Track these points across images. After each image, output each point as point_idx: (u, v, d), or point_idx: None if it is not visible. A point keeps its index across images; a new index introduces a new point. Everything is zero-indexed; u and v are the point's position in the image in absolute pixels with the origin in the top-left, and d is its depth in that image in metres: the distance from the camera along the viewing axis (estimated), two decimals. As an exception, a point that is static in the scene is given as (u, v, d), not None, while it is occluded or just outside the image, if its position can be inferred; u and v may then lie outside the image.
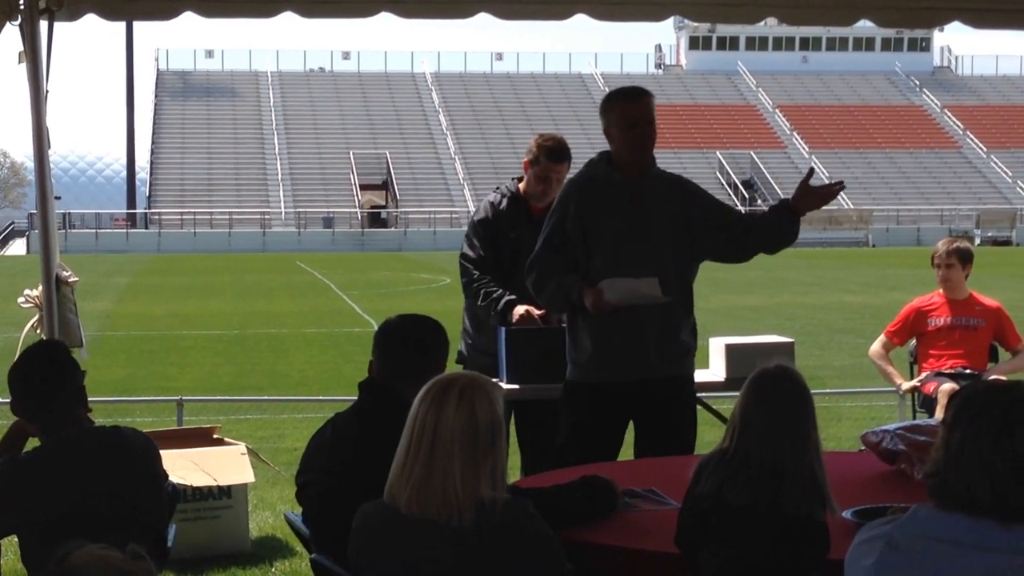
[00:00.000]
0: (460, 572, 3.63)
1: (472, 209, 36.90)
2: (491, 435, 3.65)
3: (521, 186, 7.11)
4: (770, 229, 6.16)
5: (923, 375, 8.64)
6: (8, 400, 4.54)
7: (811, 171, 6.61)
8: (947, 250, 8.75)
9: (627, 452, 6.31)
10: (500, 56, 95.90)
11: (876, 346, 8.98)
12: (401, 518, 3.66)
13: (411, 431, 3.67)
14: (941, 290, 8.79)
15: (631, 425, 6.21)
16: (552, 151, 6.94)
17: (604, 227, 6.05)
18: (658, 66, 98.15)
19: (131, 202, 78.62)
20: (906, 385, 8.75)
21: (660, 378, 6.03)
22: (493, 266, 6.99)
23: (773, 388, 3.93)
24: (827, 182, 6.17)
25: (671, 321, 6.04)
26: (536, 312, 6.75)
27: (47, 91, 6.35)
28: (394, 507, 3.68)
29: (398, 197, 74.69)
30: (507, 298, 6.86)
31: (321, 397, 12.95)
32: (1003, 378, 7.71)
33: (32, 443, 4.60)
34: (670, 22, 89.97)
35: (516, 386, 6.64)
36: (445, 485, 3.60)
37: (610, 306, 5.89)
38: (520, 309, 6.79)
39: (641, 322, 5.95)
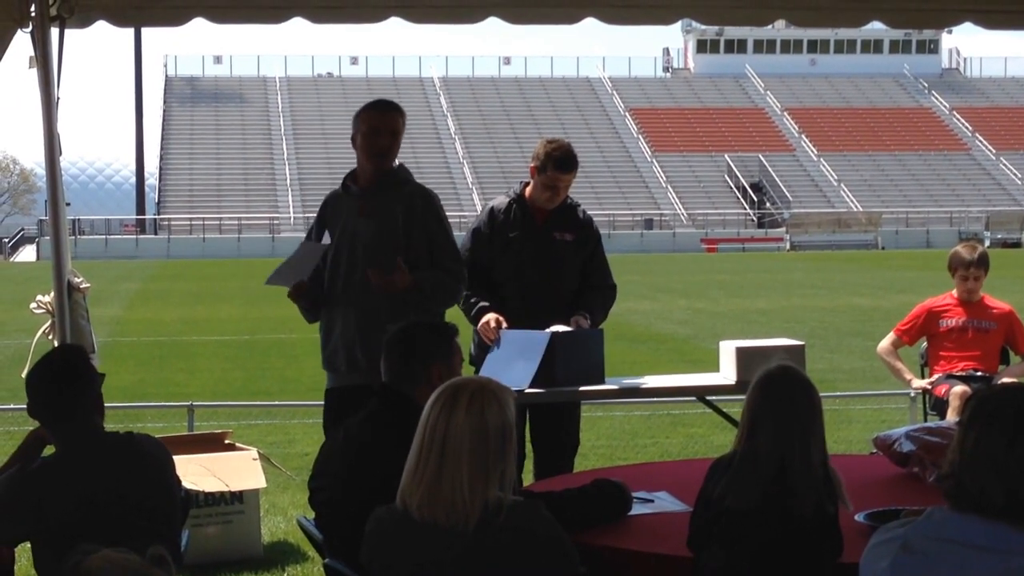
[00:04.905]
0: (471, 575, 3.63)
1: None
2: (501, 440, 3.64)
3: (527, 190, 7.10)
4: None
5: (935, 377, 8.57)
6: (18, 406, 4.53)
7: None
8: (974, 260, 8.58)
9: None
10: (508, 60, 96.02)
11: (885, 343, 8.89)
12: (413, 523, 3.66)
13: (422, 435, 3.68)
14: (955, 292, 8.70)
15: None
16: (560, 161, 6.92)
17: (336, 235, 6.34)
18: (666, 69, 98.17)
19: (140, 208, 78.80)
20: (916, 382, 8.65)
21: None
22: (478, 274, 6.91)
23: (778, 386, 3.96)
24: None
25: (370, 324, 6.10)
26: (503, 322, 6.73)
27: (58, 98, 6.35)
28: (406, 512, 3.68)
29: (407, 202, 74.63)
30: (480, 304, 6.86)
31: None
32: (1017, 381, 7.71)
33: (49, 450, 4.60)
34: (678, 26, 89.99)
35: (541, 389, 6.58)
36: (454, 490, 3.60)
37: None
38: (486, 318, 6.80)
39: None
